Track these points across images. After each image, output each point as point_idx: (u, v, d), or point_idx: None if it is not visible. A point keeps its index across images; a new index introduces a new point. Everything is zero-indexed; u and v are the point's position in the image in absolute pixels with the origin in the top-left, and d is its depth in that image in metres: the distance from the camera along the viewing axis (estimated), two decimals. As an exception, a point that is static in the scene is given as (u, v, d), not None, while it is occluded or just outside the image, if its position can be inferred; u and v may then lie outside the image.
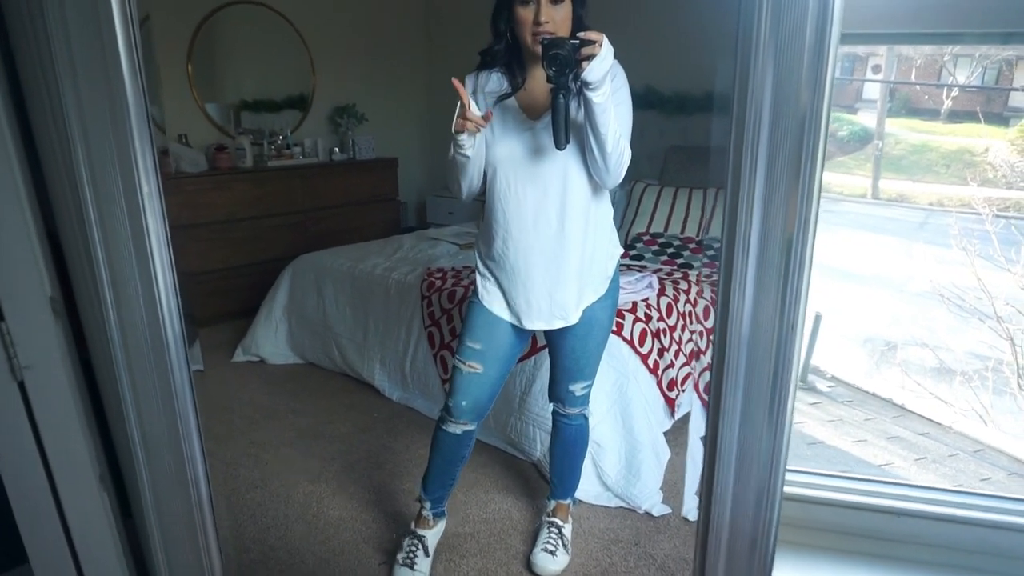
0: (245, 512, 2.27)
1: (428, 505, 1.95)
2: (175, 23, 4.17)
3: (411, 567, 1.91)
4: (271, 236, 4.36)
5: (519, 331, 1.76)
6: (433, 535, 1.98)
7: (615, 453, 2.33)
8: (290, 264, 3.61)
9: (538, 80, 1.57)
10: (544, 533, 2.00)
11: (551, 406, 1.98)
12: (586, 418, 1.97)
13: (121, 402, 0.78)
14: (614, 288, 1.79)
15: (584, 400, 1.91)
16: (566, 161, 1.57)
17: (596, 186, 1.64)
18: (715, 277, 2.71)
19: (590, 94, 1.41)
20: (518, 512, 2.27)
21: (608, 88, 1.43)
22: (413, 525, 1.98)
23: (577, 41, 1.39)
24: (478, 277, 1.76)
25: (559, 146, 1.48)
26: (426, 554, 1.94)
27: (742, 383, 0.77)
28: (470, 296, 1.80)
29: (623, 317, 2.54)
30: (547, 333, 1.81)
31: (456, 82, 1.51)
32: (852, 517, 1.04)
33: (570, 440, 1.97)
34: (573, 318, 1.72)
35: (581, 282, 1.70)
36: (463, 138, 1.54)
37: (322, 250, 3.70)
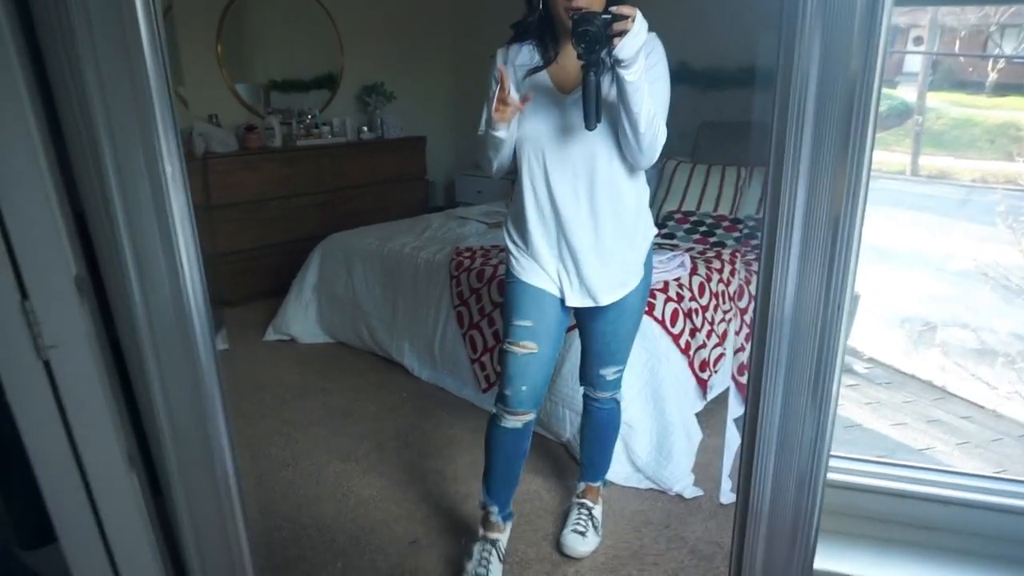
0: (276, 491, 2.30)
1: (496, 510, 1.84)
2: (204, 4, 4.17)
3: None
4: (300, 215, 4.37)
5: (563, 304, 1.70)
6: (505, 538, 1.89)
7: (646, 434, 2.30)
8: (320, 244, 3.62)
9: (571, 54, 1.50)
10: (574, 514, 1.98)
11: (582, 389, 1.95)
12: (618, 402, 1.93)
13: (147, 383, 0.77)
14: (648, 272, 1.74)
15: (615, 385, 1.86)
16: (596, 140, 1.51)
17: (629, 166, 1.58)
18: (749, 256, 2.65)
19: (622, 72, 1.36)
20: (548, 493, 2.25)
21: (641, 65, 1.36)
22: (482, 531, 1.86)
23: (609, 16, 1.33)
24: (511, 256, 1.71)
25: (589, 126, 1.41)
26: (500, 559, 1.84)
27: (784, 366, 0.73)
28: (505, 278, 1.75)
29: (654, 297, 2.50)
30: (578, 315, 1.76)
31: (502, 68, 1.48)
32: (895, 505, 1.00)
33: (601, 424, 1.94)
34: (604, 300, 1.67)
35: (612, 265, 1.65)
36: (500, 123, 1.50)
37: (351, 229, 3.70)
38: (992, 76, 5.01)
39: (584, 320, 1.77)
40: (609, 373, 1.82)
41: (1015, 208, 3.78)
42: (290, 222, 4.32)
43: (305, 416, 2.81)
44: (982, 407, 2.95)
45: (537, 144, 1.57)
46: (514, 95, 1.48)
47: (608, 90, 1.46)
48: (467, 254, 3.04)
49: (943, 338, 3.82)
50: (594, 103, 1.39)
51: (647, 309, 2.45)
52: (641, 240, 1.70)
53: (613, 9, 1.34)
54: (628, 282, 1.68)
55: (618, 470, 2.26)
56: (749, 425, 0.85)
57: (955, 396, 3.01)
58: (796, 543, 0.81)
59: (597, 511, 2.00)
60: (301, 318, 3.59)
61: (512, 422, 1.71)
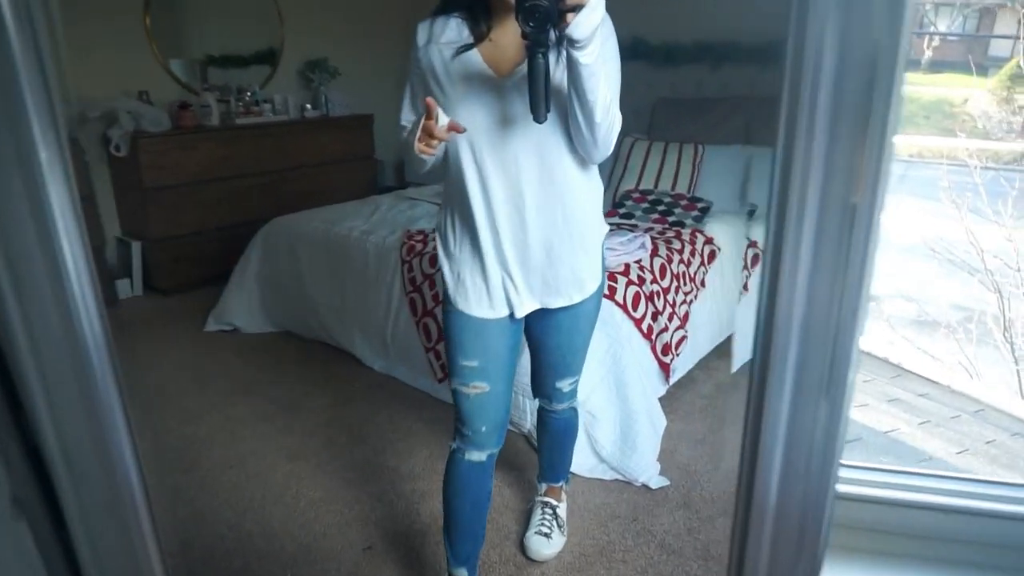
0: (220, 495, 2.15)
1: (465, 573, 1.60)
2: (129, -30, 3.88)
3: None
4: (240, 198, 4.15)
5: (512, 323, 1.47)
6: None
7: (609, 423, 2.22)
8: (262, 228, 3.42)
9: (507, 30, 1.30)
10: (538, 514, 1.89)
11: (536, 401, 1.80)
12: (575, 409, 1.78)
13: (33, 408, 0.63)
14: (603, 277, 1.55)
15: (573, 394, 1.71)
16: (542, 131, 1.29)
17: (580, 159, 1.37)
18: (708, 233, 2.51)
19: (576, 54, 1.14)
20: (509, 488, 2.16)
21: (598, 46, 1.15)
22: None
23: None
24: (446, 275, 1.46)
25: (538, 118, 1.18)
26: None
27: (792, 368, 0.62)
28: (442, 303, 1.52)
29: (615, 280, 2.41)
30: (529, 328, 1.55)
31: (430, 101, 1.21)
32: (895, 515, 0.93)
33: (560, 432, 1.81)
34: (555, 303, 1.47)
35: (563, 271, 1.43)
36: (425, 157, 1.29)
37: (295, 212, 3.51)
38: (927, 54, 5.06)
39: (536, 333, 1.57)
40: (566, 385, 1.66)
41: (958, 184, 3.82)
42: (230, 205, 4.10)
43: (251, 412, 2.65)
44: (936, 383, 2.97)
45: (471, 138, 1.32)
46: (443, 121, 1.23)
47: (554, 73, 1.24)
48: (419, 237, 2.90)
49: (889, 311, 3.87)
50: (543, 91, 1.17)
51: (608, 293, 2.36)
52: (594, 242, 1.48)
53: None
54: (583, 286, 1.47)
55: (581, 462, 2.17)
56: (752, 428, 0.74)
57: (911, 373, 3.02)
58: (802, 553, 0.71)
59: (561, 509, 1.92)
60: (244, 307, 3.41)
61: (476, 455, 1.52)
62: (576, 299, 1.47)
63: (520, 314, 1.44)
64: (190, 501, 2.12)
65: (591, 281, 1.48)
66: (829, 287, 0.66)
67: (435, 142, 1.25)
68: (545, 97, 1.17)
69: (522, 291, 1.43)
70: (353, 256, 3.01)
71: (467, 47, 1.31)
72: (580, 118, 1.24)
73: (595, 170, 1.44)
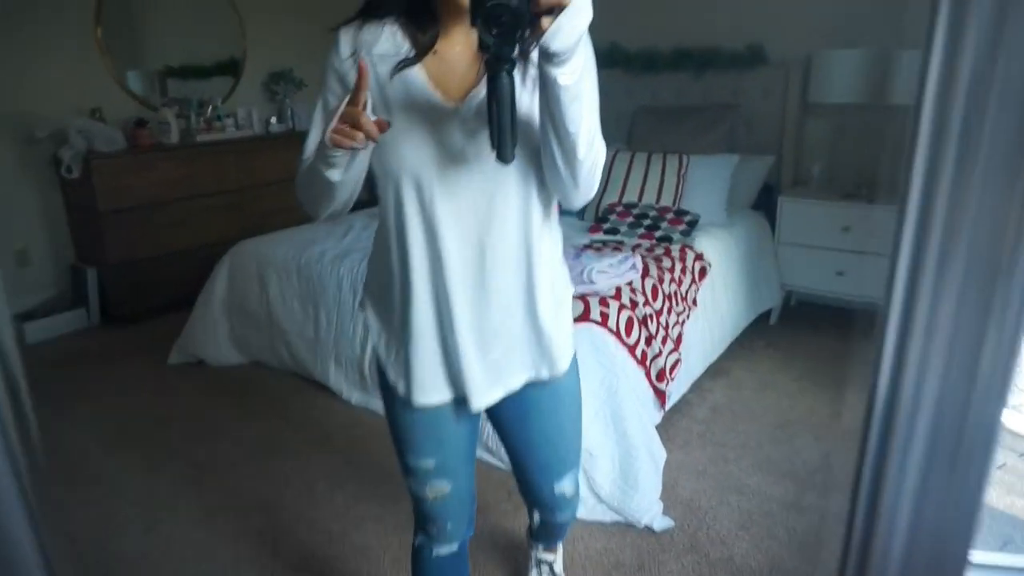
0: (188, 558, 1.96)
1: None
2: (76, -19, 3.65)
3: None
4: (203, 219, 3.94)
5: (466, 409, 1.16)
6: None
7: (608, 461, 2.09)
8: (227, 253, 3.23)
9: (458, 40, 1.03)
10: (533, 575, 1.73)
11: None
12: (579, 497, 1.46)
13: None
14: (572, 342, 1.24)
15: (576, 496, 1.38)
16: (507, 171, 1.01)
17: (548, 202, 1.10)
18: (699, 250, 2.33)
19: (554, 71, 0.85)
20: (499, 533, 2.02)
21: (582, 61, 0.87)
22: None
23: None
24: (381, 351, 1.17)
25: (504, 156, 0.88)
26: None
27: (921, 442, 0.50)
28: (380, 388, 1.23)
29: (607, 305, 2.28)
30: (499, 421, 1.25)
31: (364, 65, 0.92)
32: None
33: (563, 529, 1.54)
34: (517, 382, 1.17)
35: (530, 343, 1.15)
36: (337, 154, 0.95)
37: (262, 235, 3.32)
38: None
39: (510, 427, 1.26)
40: (568, 486, 1.33)
41: None
42: (192, 227, 3.89)
43: (220, 456, 2.46)
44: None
45: (413, 179, 1.03)
46: (369, 112, 0.93)
47: (521, 97, 0.97)
48: (396, 262, 2.73)
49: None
50: (510, 122, 0.87)
51: (600, 320, 2.23)
52: (567, 303, 1.21)
53: None
54: (554, 359, 1.17)
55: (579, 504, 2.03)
56: (865, 512, 0.61)
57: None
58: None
59: (559, 566, 1.75)
60: (210, 338, 3.21)
61: (445, 548, 1.31)
62: (545, 374, 1.18)
63: (478, 405, 1.14)
64: (155, 566, 1.94)
65: (566, 349, 1.19)
66: (970, 354, 0.53)
67: (358, 139, 0.91)
68: (512, 128, 0.88)
69: (477, 374, 1.11)
70: (326, 283, 2.83)
71: (407, 62, 1.01)
72: (557, 154, 0.96)
73: (555, 216, 1.15)
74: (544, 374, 1.18)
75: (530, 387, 1.18)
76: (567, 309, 1.21)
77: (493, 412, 1.22)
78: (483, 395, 1.13)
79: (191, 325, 3.24)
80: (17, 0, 3.42)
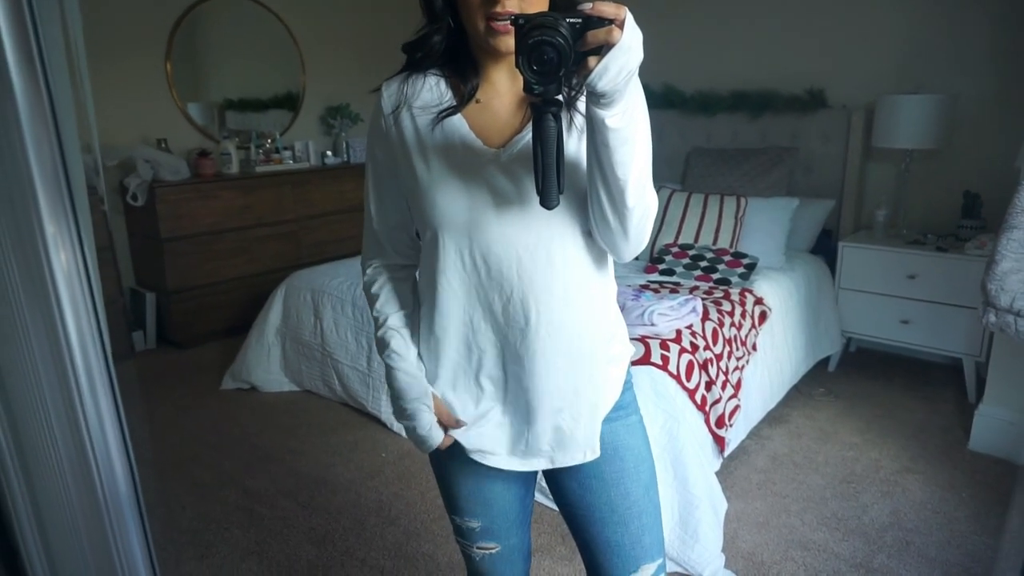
0: (240, 587, 1.95)
1: None
2: (153, 18, 3.81)
3: None
4: (260, 248, 4.02)
5: (520, 472, 1.11)
6: None
7: (668, 510, 2.02)
8: (283, 282, 3.27)
9: (500, 85, 1.01)
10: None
11: None
12: None
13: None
14: (633, 398, 1.15)
15: None
16: (552, 219, 0.96)
17: (600, 254, 1.03)
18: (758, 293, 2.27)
19: (601, 113, 0.81)
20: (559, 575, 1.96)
21: (631, 103, 0.83)
22: None
23: (578, 20, 0.76)
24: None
25: (548, 203, 0.85)
26: None
27: None
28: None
29: (668, 349, 2.23)
30: (558, 492, 1.15)
31: (448, 440, 1.07)
32: None
33: None
34: (579, 456, 1.07)
35: (585, 404, 1.05)
36: (412, 425, 1.07)
37: (318, 265, 3.37)
38: None
39: (569, 496, 1.13)
40: None
41: None
42: (249, 255, 3.96)
43: (271, 485, 2.46)
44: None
45: (456, 232, 0.99)
46: (451, 435, 1.07)
47: (568, 142, 0.94)
48: (452, 296, 2.73)
49: None
50: (555, 167, 0.83)
51: (661, 363, 2.19)
52: (623, 361, 1.13)
53: (584, 7, 0.76)
54: (608, 403, 1.09)
55: (638, 552, 1.97)
56: None
57: None
58: None
59: None
60: (263, 364, 3.23)
61: None
62: (594, 442, 1.07)
63: (527, 466, 1.08)
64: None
65: (609, 401, 1.10)
66: None
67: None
68: (558, 173, 0.84)
69: (530, 439, 1.05)
70: (381, 315, 2.84)
71: (449, 111, 0.99)
72: (605, 202, 0.91)
73: (610, 262, 1.08)
74: (578, 451, 1.07)
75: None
76: (625, 364, 1.13)
77: (549, 479, 1.15)
78: (527, 460, 1.08)
79: (244, 352, 3.27)
80: (91, 33, 3.57)
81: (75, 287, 0.47)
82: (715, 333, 2.46)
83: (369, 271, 1.15)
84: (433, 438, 1.07)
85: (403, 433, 2.74)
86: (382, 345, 1.09)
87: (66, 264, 0.46)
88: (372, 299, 1.13)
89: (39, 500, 0.49)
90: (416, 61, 1.03)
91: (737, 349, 2.56)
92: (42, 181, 0.47)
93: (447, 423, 1.07)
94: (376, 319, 1.11)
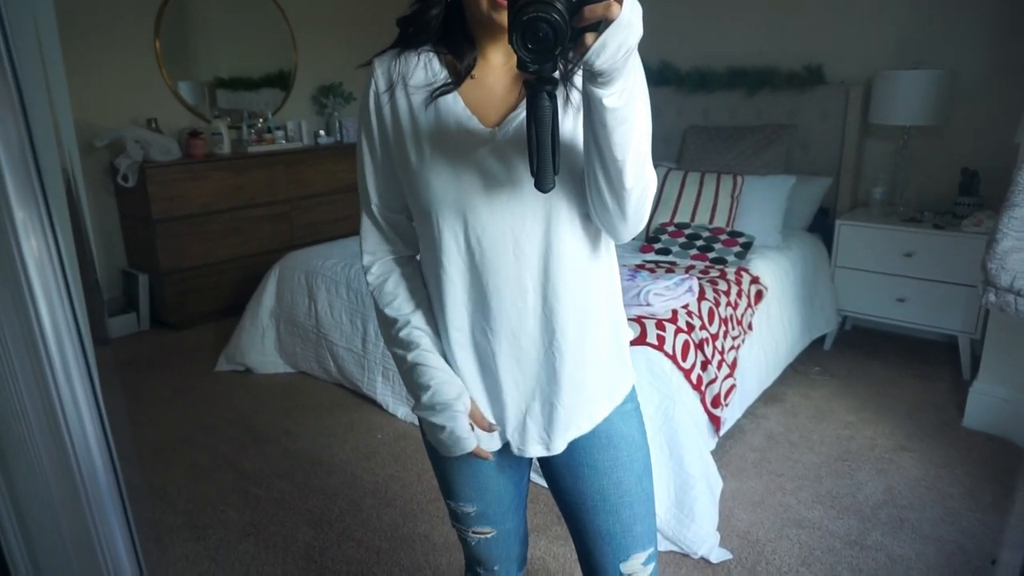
0: (235, 568, 1.95)
1: None
2: (139, -7, 3.74)
3: None
4: (253, 228, 3.99)
5: (510, 455, 1.10)
6: None
7: (663, 489, 2.03)
8: (276, 263, 3.25)
9: (495, 61, 0.98)
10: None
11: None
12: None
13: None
14: (632, 389, 1.13)
15: None
16: (549, 200, 0.94)
17: (597, 235, 1.01)
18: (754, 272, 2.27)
19: (599, 91, 0.77)
20: (554, 560, 1.96)
21: (630, 81, 0.78)
22: None
23: None
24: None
25: (543, 185, 0.81)
26: None
27: None
28: (421, 432, 1.16)
29: (664, 329, 2.23)
30: (550, 482, 1.15)
31: (480, 452, 1.05)
32: None
33: None
34: (566, 436, 1.06)
35: (585, 388, 1.04)
36: (435, 421, 1.04)
37: (311, 246, 3.34)
38: None
39: (561, 483, 1.13)
40: (637, 566, 1.14)
41: None
42: (242, 236, 3.94)
43: (266, 466, 2.45)
44: None
45: (452, 212, 0.96)
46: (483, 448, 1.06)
47: (564, 121, 0.92)
48: (446, 277, 2.71)
49: None
50: (551, 147, 0.80)
51: (656, 343, 2.18)
52: (620, 337, 1.10)
53: None
54: (609, 397, 1.08)
55: (634, 531, 1.97)
56: None
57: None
58: None
59: None
60: (257, 346, 3.22)
61: None
62: (597, 417, 1.07)
63: (525, 451, 1.07)
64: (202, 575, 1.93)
65: (618, 390, 1.09)
66: None
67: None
68: (553, 155, 0.81)
69: (526, 421, 1.05)
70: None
71: (444, 89, 0.96)
72: (603, 183, 0.88)
73: (611, 245, 1.05)
74: (597, 416, 1.07)
75: (581, 437, 1.07)
76: (625, 346, 1.11)
77: (543, 465, 1.14)
78: (530, 447, 1.06)
79: (239, 333, 3.26)
80: (79, 12, 3.51)
81: (47, 274, 0.45)
82: (711, 312, 2.45)
83: (375, 269, 1.08)
84: (470, 441, 1.03)
85: (397, 414, 2.75)
86: (408, 345, 1.04)
87: (37, 250, 0.44)
88: (388, 298, 1.06)
89: (17, 491, 0.48)
90: (409, 36, 1.00)
91: (733, 328, 2.56)
92: (9, 166, 0.45)
93: (479, 424, 1.05)
94: (395, 319, 1.05)
